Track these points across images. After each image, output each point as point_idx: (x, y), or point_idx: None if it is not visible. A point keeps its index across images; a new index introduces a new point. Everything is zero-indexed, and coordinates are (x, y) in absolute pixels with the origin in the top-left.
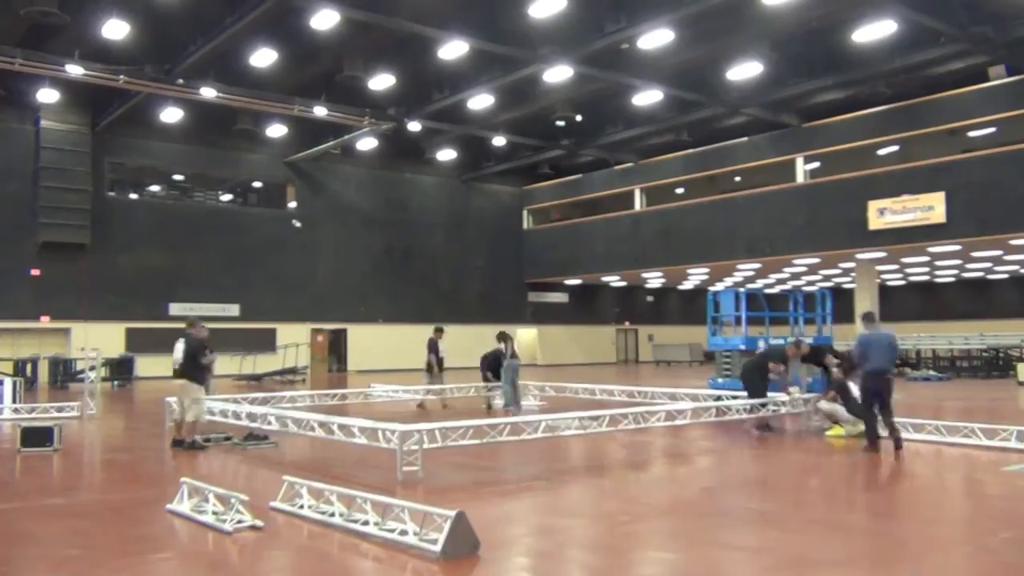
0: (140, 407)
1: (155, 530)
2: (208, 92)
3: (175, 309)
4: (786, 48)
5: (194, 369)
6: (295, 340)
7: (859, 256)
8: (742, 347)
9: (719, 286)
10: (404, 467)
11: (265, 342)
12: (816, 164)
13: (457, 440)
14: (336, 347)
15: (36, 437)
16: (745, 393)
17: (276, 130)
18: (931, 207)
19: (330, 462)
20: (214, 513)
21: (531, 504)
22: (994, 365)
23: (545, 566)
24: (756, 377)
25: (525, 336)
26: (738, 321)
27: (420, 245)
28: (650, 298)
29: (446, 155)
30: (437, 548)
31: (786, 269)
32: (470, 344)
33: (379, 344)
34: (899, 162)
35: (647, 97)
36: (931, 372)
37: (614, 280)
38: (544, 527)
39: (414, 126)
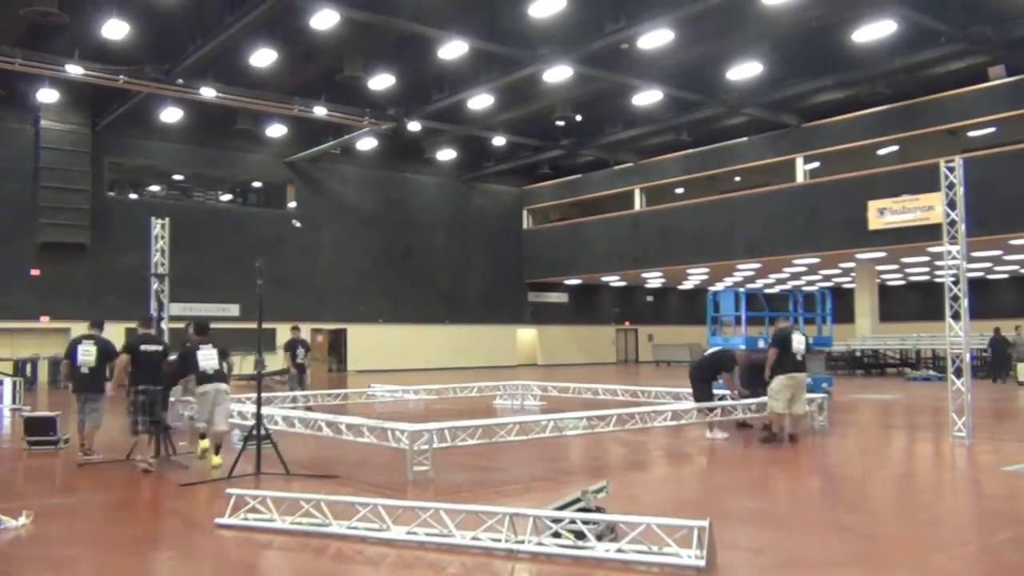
0: None
1: (155, 530)
2: (208, 92)
3: (175, 309)
4: (786, 48)
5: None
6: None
7: (859, 256)
8: (742, 347)
9: (719, 286)
10: (414, 467)
11: (265, 342)
12: (816, 164)
13: (465, 440)
14: (336, 347)
15: (39, 427)
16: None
17: (276, 130)
18: (931, 207)
19: (331, 462)
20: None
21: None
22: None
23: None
24: (699, 379)
25: (525, 336)
26: (738, 321)
27: (420, 245)
28: (650, 298)
29: (446, 155)
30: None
31: (786, 269)
32: (469, 344)
33: (379, 344)
34: (899, 162)
35: (647, 97)
36: (931, 372)
37: (614, 280)
38: None
39: (414, 126)
